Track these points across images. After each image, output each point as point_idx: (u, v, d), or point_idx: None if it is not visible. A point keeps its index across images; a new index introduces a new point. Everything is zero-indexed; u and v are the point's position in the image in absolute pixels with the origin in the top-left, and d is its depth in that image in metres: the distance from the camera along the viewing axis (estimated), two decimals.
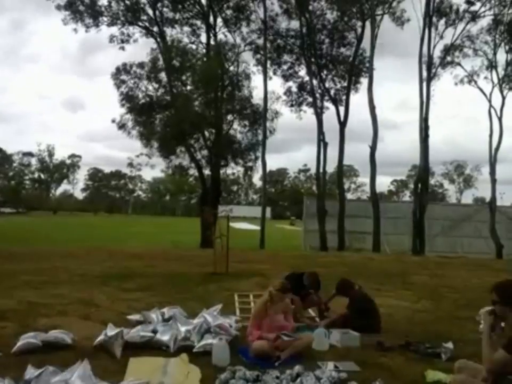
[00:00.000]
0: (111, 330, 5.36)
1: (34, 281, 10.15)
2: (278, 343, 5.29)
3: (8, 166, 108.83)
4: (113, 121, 24.54)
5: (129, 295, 9.00)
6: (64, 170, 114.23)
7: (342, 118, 27.16)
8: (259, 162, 25.70)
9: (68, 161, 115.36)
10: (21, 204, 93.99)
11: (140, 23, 25.30)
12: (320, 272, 13.62)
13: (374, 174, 25.37)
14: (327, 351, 5.60)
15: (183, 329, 5.63)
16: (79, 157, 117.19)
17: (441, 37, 26.22)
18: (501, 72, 27.32)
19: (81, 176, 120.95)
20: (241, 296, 8.86)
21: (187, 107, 21.31)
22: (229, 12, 26.07)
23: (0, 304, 7.73)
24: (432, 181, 68.87)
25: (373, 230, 24.58)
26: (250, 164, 24.93)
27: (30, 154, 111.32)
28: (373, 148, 24.76)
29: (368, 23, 25.73)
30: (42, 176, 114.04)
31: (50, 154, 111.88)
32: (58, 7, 23.62)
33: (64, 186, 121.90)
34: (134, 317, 6.47)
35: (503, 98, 27.21)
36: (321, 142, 26.54)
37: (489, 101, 27.42)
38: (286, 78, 28.01)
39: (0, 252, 15.96)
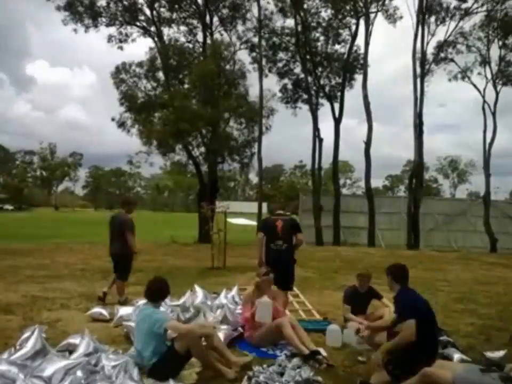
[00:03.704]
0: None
1: (37, 276, 10.41)
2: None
3: (11, 164, 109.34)
4: (113, 119, 24.88)
5: (129, 289, 9.18)
6: (65, 168, 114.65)
7: (337, 114, 27.52)
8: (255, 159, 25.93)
9: (70, 160, 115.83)
10: (24, 201, 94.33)
11: (138, 23, 25.53)
12: (316, 266, 14.02)
13: (369, 169, 25.62)
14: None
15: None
16: (81, 155, 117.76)
17: (433, 34, 26.49)
18: (494, 67, 27.54)
19: (82, 173, 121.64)
20: (239, 290, 9.14)
21: (184, 105, 21.49)
22: (224, 11, 26.21)
23: (5, 298, 7.96)
24: (426, 176, 69.03)
25: (368, 225, 24.87)
26: (246, 160, 25.14)
27: (32, 152, 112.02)
28: (368, 144, 25.00)
29: (362, 21, 26.02)
30: (44, 174, 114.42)
31: (52, 153, 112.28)
32: (58, 8, 23.88)
33: (65, 184, 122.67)
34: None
35: (497, 93, 27.46)
36: (316, 138, 26.81)
37: (483, 96, 27.66)
38: (281, 75, 28.28)
39: (4, 248, 16.18)
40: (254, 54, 27.09)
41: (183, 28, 26.20)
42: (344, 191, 79.15)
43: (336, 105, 27.80)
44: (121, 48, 25.61)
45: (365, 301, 6.70)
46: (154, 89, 24.59)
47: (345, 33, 27.54)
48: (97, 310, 6.84)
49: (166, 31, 25.96)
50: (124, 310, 6.56)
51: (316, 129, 26.74)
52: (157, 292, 4.87)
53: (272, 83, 40.36)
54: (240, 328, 6.02)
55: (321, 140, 26.82)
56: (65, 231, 30.05)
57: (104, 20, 24.72)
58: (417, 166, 25.99)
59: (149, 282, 4.95)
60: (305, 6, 26.58)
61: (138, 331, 4.82)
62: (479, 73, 28.12)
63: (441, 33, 27.21)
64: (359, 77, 27.30)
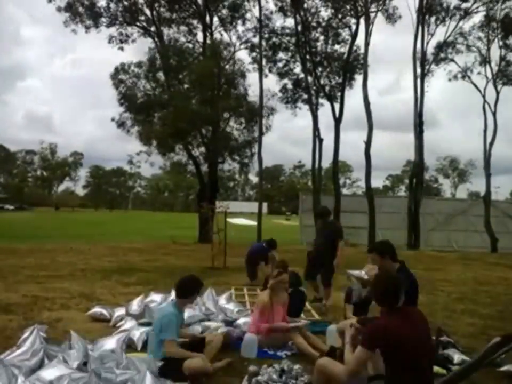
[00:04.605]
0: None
1: (38, 276, 10.38)
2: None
3: (12, 164, 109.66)
4: (112, 119, 24.92)
5: (129, 289, 9.21)
6: (66, 168, 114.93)
7: (337, 115, 27.49)
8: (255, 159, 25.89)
9: (71, 159, 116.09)
10: (24, 201, 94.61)
11: (138, 23, 25.61)
12: None
13: (369, 169, 25.55)
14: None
15: None
16: (81, 154, 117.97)
17: (432, 34, 26.52)
18: (495, 67, 27.53)
19: (82, 173, 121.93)
20: (238, 290, 9.15)
21: (184, 105, 21.49)
22: (224, 11, 26.25)
23: (5, 298, 7.94)
24: (426, 176, 69.04)
25: (368, 225, 24.82)
26: (246, 160, 25.14)
27: (32, 152, 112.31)
28: (368, 144, 24.95)
29: (362, 20, 25.96)
30: (44, 173, 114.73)
31: (53, 152, 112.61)
32: (59, 9, 23.95)
33: (66, 184, 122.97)
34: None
35: (497, 93, 27.44)
36: (317, 138, 26.77)
37: (483, 96, 27.63)
38: (281, 75, 28.21)
39: (5, 248, 16.19)
40: (254, 54, 27.08)
41: (183, 28, 26.30)
42: (344, 191, 79.23)
43: (337, 105, 27.80)
44: (121, 48, 25.77)
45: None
46: (154, 90, 24.62)
47: (345, 33, 27.53)
48: (97, 310, 6.83)
49: (166, 31, 26.06)
50: (122, 310, 6.58)
51: (316, 129, 26.71)
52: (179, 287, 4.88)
53: (272, 83, 40.47)
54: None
55: (321, 140, 26.81)
56: (66, 231, 30.01)
57: (104, 20, 24.84)
58: (417, 166, 25.96)
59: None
60: (305, 5, 26.53)
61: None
62: (479, 73, 28.15)
63: (441, 33, 27.02)
64: (359, 77, 27.33)
